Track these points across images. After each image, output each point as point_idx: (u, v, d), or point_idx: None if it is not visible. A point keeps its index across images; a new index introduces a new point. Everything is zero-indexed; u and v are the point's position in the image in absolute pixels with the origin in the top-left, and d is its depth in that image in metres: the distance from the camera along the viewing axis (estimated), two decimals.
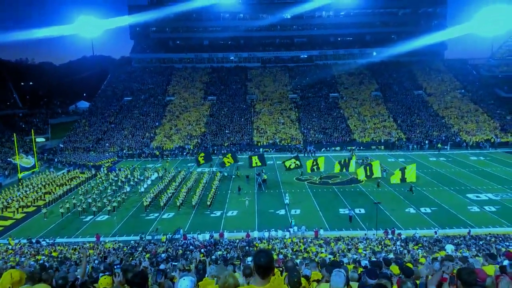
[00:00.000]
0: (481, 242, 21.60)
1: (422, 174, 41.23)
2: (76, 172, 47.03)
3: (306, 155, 55.20)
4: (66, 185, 40.96)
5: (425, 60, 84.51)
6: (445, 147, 56.15)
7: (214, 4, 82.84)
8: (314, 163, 40.26)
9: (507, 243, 20.55)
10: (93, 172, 47.33)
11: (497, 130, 60.09)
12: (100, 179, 43.53)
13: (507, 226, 27.00)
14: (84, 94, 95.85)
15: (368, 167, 37.53)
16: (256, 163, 41.45)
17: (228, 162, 42.79)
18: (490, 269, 6.13)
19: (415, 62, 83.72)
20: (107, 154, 56.26)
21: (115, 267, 9.42)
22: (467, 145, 56.52)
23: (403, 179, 34.30)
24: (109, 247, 24.10)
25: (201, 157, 43.63)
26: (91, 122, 67.82)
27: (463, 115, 65.09)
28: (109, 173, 46.42)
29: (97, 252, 22.17)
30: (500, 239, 22.96)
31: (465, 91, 73.22)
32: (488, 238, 23.35)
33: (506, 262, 7.65)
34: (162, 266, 12.34)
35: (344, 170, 40.14)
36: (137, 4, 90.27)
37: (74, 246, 24.76)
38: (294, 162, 40.68)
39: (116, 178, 43.22)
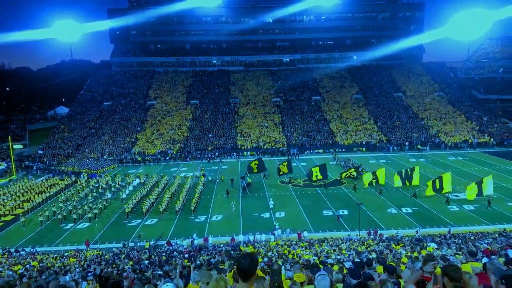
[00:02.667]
0: (460, 241, 22.10)
1: None
2: (56, 179, 45.99)
3: (289, 157, 55.40)
4: (45, 192, 39.99)
5: (404, 63, 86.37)
6: (425, 148, 57.35)
7: (195, 7, 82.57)
8: (373, 177, 37.39)
9: (486, 241, 21.08)
10: (73, 178, 46.37)
11: (475, 131, 61.74)
12: (80, 186, 42.64)
13: (485, 224, 27.74)
14: (63, 99, 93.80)
15: (438, 180, 34.02)
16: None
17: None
18: (468, 267, 6.26)
19: (394, 65, 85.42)
20: (108, 161, 55.07)
21: (88, 274, 9.26)
22: (445, 146, 57.87)
23: (480, 194, 31.71)
24: (91, 255, 23.62)
25: (254, 164, 42.31)
26: (71, 127, 66.48)
27: (442, 117, 66.66)
28: (90, 179, 45.57)
29: (78, 260, 21.72)
30: (479, 236, 23.54)
31: (443, 93, 75.06)
32: (467, 236, 23.92)
33: (485, 260, 7.84)
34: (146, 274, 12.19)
35: (407, 184, 36.59)
36: (117, 8, 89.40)
37: (55, 255, 24.17)
38: (351, 173, 39.50)
39: (97, 185, 42.44)
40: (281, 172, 41.57)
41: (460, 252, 15.41)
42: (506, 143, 58.55)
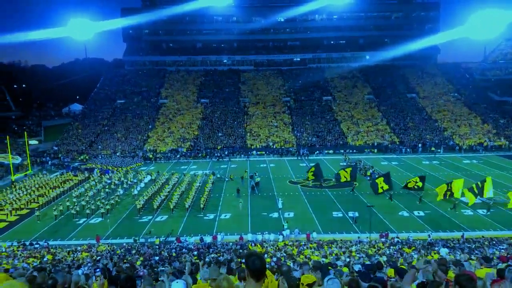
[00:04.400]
0: (474, 245, 21.69)
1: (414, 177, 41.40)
2: (69, 175, 46.72)
3: (298, 158, 55.29)
4: (59, 187, 40.64)
5: (418, 63, 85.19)
6: (439, 150, 56.51)
7: (207, 7, 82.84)
8: (448, 188, 33.03)
9: (500, 247, 20.67)
10: (86, 174, 46.97)
11: (491, 133, 60.63)
12: (94, 182, 43.23)
13: (500, 230, 27.15)
14: (77, 97, 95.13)
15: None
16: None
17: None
18: (482, 273, 6.13)
19: (408, 65, 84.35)
20: (135, 159, 55.34)
21: (96, 270, 9.30)
22: (460, 149, 56.94)
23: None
24: (103, 250, 23.89)
25: (310, 172, 39.50)
26: (84, 124, 67.37)
27: (456, 119, 65.65)
28: (103, 175, 46.14)
29: (91, 254, 21.99)
30: (494, 242, 23.07)
31: (458, 95, 73.87)
32: (481, 241, 23.44)
33: (501, 266, 7.66)
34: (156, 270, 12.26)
35: (479, 198, 32.29)
36: (130, 7, 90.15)
37: (68, 249, 24.52)
38: (415, 182, 35.10)
39: (109, 181, 42.99)
40: (343, 179, 38.08)
41: (474, 258, 15.12)
42: None
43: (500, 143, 58.09)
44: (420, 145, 58.38)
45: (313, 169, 39.91)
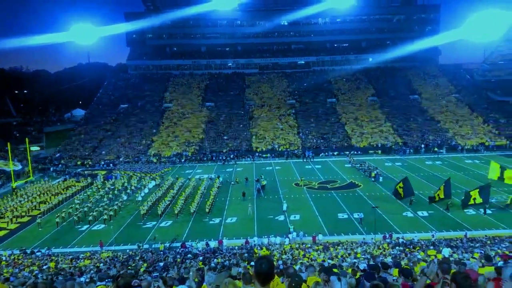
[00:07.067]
0: (477, 245, 21.68)
1: (418, 178, 41.49)
2: (72, 181, 46.59)
3: (304, 160, 55.29)
4: (61, 194, 40.44)
5: (419, 65, 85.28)
6: (441, 150, 56.49)
7: (211, 11, 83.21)
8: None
9: (502, 245, 20.60)
10: (89, 180, 46.97)
11: (492, 133, 60.54)
12: (96, 188, 43.17)
13: (502, 228, 27.13)
14: (80, 102, 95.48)
15: None
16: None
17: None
18: (483, 271, 6.16)
19: (410, 67, 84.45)
20: (163, 165, 55.05)
21: (107, 280, 9.27)
22: (462, 149, 56.88)
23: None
24: (106, 257, 23.83)
25: (400, 187, 33.11)
26: (87, 130, 67.57)
27: (458, 119, 65.56)
28: (106, 181, 46.16)
29: (94, 262, 21.99)
30: (496, 241, 23.04)
31: (459, 96, 73.79)
32: (484, 240, 23.45)
33: (501, 264, 7.69)
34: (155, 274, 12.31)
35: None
36: (133, 11, 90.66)
37: (70, 257, 24.44)
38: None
39: (112, 187, 42.94)
40: (437, 199, 32.22)
41: (475, 257, 15.14)
42: None
43: (501, 142, 58.12)
44: (423, 146, 58.32)
45: (401, 184, 33.13)
